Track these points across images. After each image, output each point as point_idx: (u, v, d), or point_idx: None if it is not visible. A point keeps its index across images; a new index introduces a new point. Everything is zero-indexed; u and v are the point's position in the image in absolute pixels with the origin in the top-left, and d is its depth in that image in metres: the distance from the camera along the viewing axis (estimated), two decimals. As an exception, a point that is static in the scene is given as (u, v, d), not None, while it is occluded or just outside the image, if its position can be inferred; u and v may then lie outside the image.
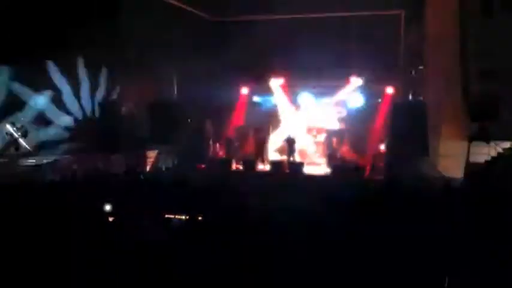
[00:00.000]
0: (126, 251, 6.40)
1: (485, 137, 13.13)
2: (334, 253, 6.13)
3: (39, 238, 6.60)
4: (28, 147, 14.16)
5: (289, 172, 16.68)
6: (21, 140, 13.86)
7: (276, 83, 19.60)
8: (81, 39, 14.09)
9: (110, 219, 8.44)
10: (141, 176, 13.36)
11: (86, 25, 14.24)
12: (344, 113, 19.56)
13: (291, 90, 19.96)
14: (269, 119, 20.01)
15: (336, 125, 19.45)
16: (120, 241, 6.99)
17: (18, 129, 13.77)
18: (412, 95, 14.82)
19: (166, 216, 8.83)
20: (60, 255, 6.02)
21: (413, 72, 14.81)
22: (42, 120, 14.91)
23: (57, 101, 15.37)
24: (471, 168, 12.92)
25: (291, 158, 17.71)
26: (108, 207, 9.37)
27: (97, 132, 15.75)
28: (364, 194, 11.16)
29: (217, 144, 19.31)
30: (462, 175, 13.19)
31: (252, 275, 5.69)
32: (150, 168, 16.87)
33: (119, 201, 9.68)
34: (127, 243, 6.86)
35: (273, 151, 19.49)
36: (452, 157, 14.39)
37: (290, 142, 17.85)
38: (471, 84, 13.15)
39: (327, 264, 5.84)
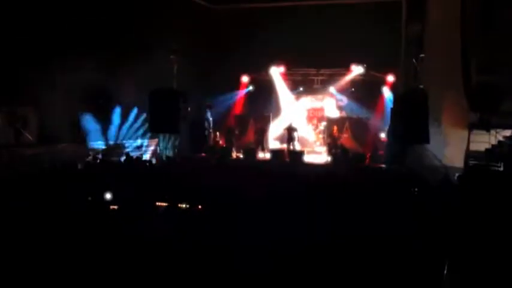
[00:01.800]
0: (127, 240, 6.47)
1: (485, 125, 13.13)
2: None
3: (41, 228, 6.67)
4: (30, 137, 14.19)
5: (289, 160, 16.72)
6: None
7: (276, 71, 19.58)
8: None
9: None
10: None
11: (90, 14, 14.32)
12: (345, 101, 19.58)
13: (291, 79, 19.98)
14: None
15: (336, 113, 19.47)
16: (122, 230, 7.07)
17: (18, 119, 13.81)
18: (413, 83, 14.79)
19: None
20: (61, 245, 6.08)
21: (414, 60, 14.73)
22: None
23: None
24: (471, 157, 12.94)
25: (291, 147, 17.73)
26: (108, 196, 9.43)
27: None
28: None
29: (218, 133, 19.36)
30: (462, 163, 13.22)
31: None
32: (150, 157, 16.94)
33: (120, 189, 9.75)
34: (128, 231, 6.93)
35: (273, 139, 19.54)
36: (453, 145, 14.40)
37: (290, 130, 17.86)
38: (472, 73, 13.11)
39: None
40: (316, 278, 5.35)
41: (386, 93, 18.08)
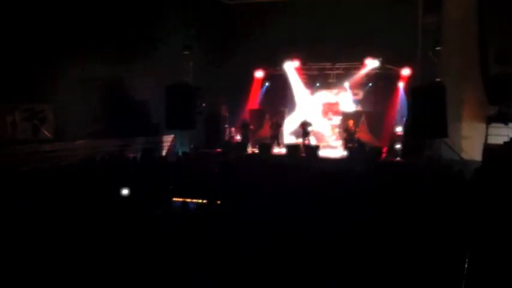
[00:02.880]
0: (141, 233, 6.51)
1: (503, 118, 12.96)
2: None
3: (59, 222, 6.74)
4: (47, 133, 14.32)
5: (305, 155, 16.67)
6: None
7: (290, 65, 19.52)
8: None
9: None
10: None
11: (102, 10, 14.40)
12: (360, 95, 19.47)
13: (306, 73, 19.91)
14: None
15: (352, 107, 19.36)
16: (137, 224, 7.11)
17: (36, 115, 13.94)
18: (430, 76, 14.62)
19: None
20: (77, 238, 6.14)
21: (431, 53, 14.56)
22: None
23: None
24: (489, 150, 12.78)
25: (307, 141, 17.69)
26: (125, 191, 9.48)
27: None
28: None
29: (233, 128, 19.38)
30: (480, 157, 13.07)
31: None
32: (166, 153, 17.02)
33: (136, 184, 9.81)
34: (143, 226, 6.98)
35: (289, 134, 19.52)
36: (471, 139, 14.25)
37: (306, 125, 17.82)
38: (489, 66, 12.94)
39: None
40: (326, 273, 5.35)
41: (403, 87, 17.94)
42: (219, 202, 8.68)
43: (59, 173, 10.71)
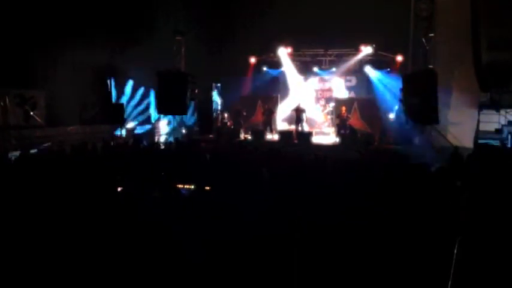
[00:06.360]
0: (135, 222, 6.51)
1: (495, 105, 13.01)
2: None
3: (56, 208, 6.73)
4: (38, 119, 14.25)
5: (297, 142, 16.69)
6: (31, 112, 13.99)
7: (284, 51, 19.47)
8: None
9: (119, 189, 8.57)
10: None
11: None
12: (353, 82, 19.49)
13: (299, 59, 19.88)
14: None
15: (345, 94, 19.38)
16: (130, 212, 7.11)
17: (27, 101, 13.85)
18: (422, 62, 14.65)
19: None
20: (72, 225, 6.13)
21: (423, 40, 14.56)
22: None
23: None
24: (480, 137, 12.87)
25: (300, 128, 17.70)
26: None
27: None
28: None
29: (226, 115, 19.36)
30: (472, 143, 13.14)
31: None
32: (158, 139, 17.01)
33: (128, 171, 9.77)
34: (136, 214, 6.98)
35: (282, 121, 19.52)
36: (463, 125, 14.30)
37: (298, 111, 17.82)
38: (482, 52, 12.93)
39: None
40: (325, 260, 5.37)
41: (395, 73, 17.98)
42: (208, 188, 8.68)
43: (50, 158, 10.66)
